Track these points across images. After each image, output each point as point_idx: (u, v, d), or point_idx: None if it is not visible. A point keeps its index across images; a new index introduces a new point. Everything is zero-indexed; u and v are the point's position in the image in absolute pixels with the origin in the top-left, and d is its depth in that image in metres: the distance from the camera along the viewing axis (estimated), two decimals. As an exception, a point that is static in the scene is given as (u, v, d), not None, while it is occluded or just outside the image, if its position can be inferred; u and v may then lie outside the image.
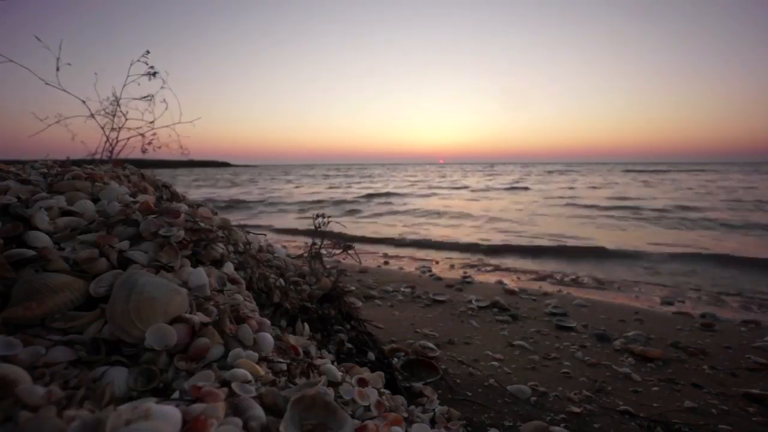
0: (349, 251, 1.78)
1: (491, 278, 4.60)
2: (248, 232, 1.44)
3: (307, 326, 1.21)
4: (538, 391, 1.83)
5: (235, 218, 1.41)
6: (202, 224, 1.07)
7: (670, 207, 11.98)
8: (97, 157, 2.06)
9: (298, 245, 6.37)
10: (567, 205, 13.26)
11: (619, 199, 14.48)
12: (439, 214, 11.60)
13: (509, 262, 5.88)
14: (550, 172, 43.60)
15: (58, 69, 1.89)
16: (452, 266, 5.46)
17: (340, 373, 0.90)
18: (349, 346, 1.41)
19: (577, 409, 1.66)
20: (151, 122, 2.21)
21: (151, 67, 2.10)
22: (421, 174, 43.13)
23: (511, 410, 1.66)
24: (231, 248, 1.18)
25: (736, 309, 3.70)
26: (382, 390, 1.02)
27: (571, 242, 7.11)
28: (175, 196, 1.57)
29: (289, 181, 31.24)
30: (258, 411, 0.61)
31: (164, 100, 2.19)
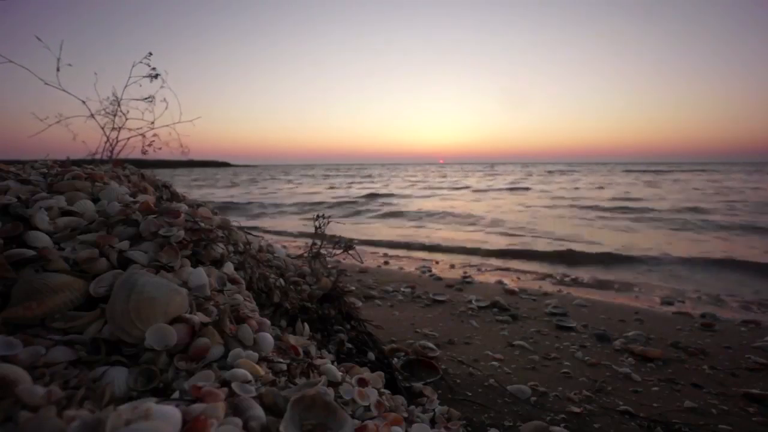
0: (350, 251, 1.78)
1: (491, 278, 4.61)
2: (248, 233, 1.44)
3: (307, 326, 1.21)
4: (538, 391, 1.83)
5: (233, 219, 1.40)
6: (202, 224, 1.07)
7: (680, 208, 11.58)
8: (98, 157, 2.06)
9: (298, 245, 6.37)
10: (572, 206, 12.90)
11: (624, 200, 14.09)
12: (442, 215, 11.32)
13: (509, 262, 5.87)
14: (550, 172, 43.30)
15: (58, 69, 1.89)
16: (452, 266, 5.46)
17: (340, 373, 0.90)
18: (349, 346, 1.41)
19: (577, 409, 1.66)
20: (152, 122, 2.21)
21: (153, 69, 2.10)
22: (422, 174, 42.99)
23: (511, 410, 1.66)
24: (231, 248, 1.18)
25: (736, 309, 3.70)
26: (382, 390, 1.02)
27: (578, 246, 6.71)
28: (175, 196, 1.57)
29: (289, 181, 31.20)
30: (258, 411, 0.61)
31: (164, 100, 2.19)
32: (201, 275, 0.90)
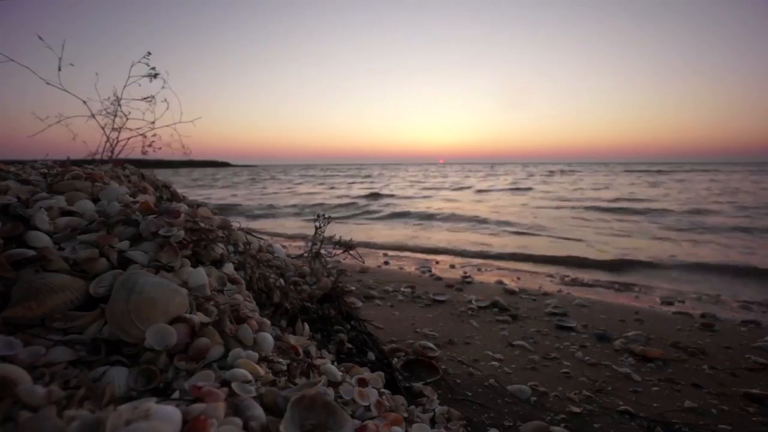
0: (350, 251, 1.78)
1: (491, 278, 4.60)
2: (248, 233, 1.44)
3: (307, 326, 1.21)
4: (538, 391, 1.83)
5: (233, 220, 1.40)
6: (202, 224, 1.07)
7: (688, 210, 11.23)
8: (98, 157, 2.06)
9: (298, 245, 6.37)
10: (581, 208, 12.37)
11: (630, 201, 13.72)
12: (446, 216, 10.98)
13: (511, 263, 5.87)
14: (551, 172, 42.99)
15: (60, 69, 1.89)
16: (452, 266, 5.46)
17: (340, 373, 0.90)
18: (349, 346, 1.41)
19: (577, 409, 1.66)
20: (152, 122, 2.21)
21: (153, 68, 2.10)
22: (422, 174, 42.84)
23: (511, 410, 1.66)
24: (231, 248, 1.18)
25: (736, 309, 3.70)
26: (382, 390, 1.02)
27: (590, 251, 6.45)
28: (175, 196, 1.57)
29: (289, 181, 31.16)
30: (258, 411, 0.61)
31: (165, 100, 2.19)
32: (201, 275, 0.90)
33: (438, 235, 8.41)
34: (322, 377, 0.83)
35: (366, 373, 1.02)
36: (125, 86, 2.11)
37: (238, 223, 1.40)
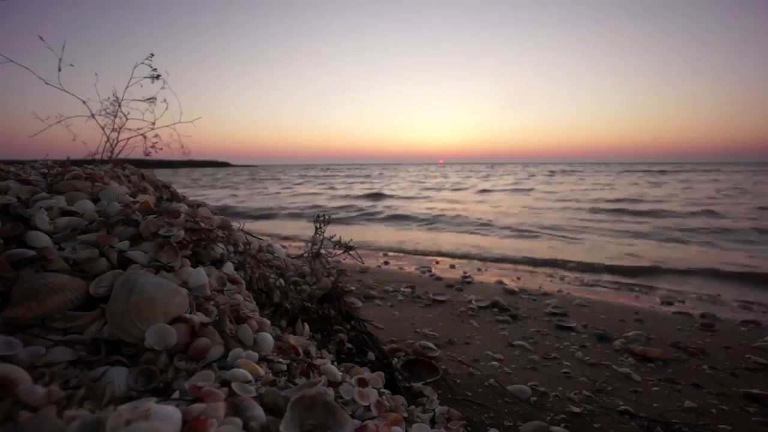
0: (350, 251, 1.78)
1: (491, 278, 4.60)
2: (248, 233, 1.44)
3: (307, 326, 1.21)
4: (538, 391, 1.83)
5: (234, 221, 1.40)
6: (202, 224, 1.07)
7: (694, 211, 10.84)
8: (98, 157, 2.06)
9: (298, 245, 6.37)
10: (590, 209, 11.93)
11: (638, 202, 13.30)
12: (450, 219, 10.62)
13: (509, 262, 5.87)
14: (552, 172, 42.76)
15: (60, 69, 1.89)
16: (452, 266, 5.46)
17: (340, 373, 0.90)
18: (349, 346, 1.41)
19: (577, 409, 1.67)
20: (152, 123, 2.21)
21: (154, 70, 2.10)
22: (422, 174, 42.73)
23: (511, 410, 1.66)
24: (231, 248, 1.18)
25: (736, 309, 3.70)
26: (382, 390, 1.02)
27: (606, 257, 6.02)
28: (175, 196, 1.57)
29: (289, 182, 31.14)
30: (258, 411, 0.61)
31: (165, 100, 2.19)
32: (201, 275, 0.90)
33: (442, 238, 8.23)
34: (322, 377, 0.83)
35: (366, 373, 1.02)
36: (127, 87, 2.11)
37: (238, 223, 1.40)
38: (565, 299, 3.57)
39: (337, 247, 1.76)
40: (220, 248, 1.08)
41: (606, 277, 4.96)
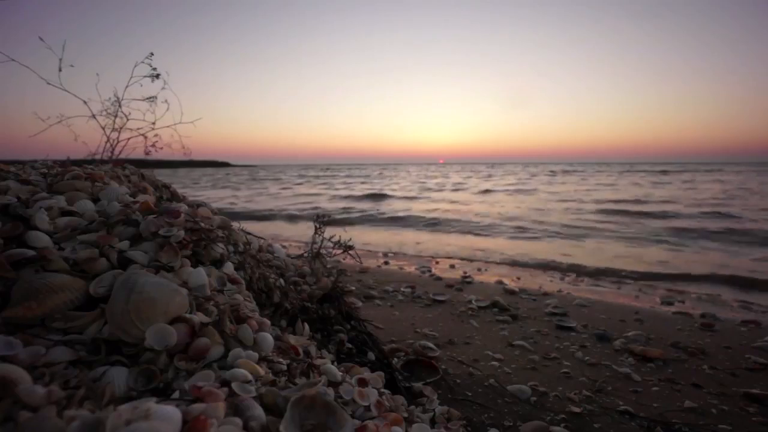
0: (350, 251, 1.78)
1: (491, 278, 4.60)
2: (248, 233, 1.44)
3: (307, 326, 1.21)
4: (538, 391, 1.83)
5: (233, 221, 1.40)
6: (202, 224, 1.07)
7: (705, 212, 10.43)
8: (98, 157, 2.06)
9: (298, 245, 6.37)
10: (595, 211, 11.50)
11: (643, 204, 12.86)
12: (457, 220, 10.17)
13: (509, 261, 5.86)
14: (553, 172, 42.47)
15: (60, 69, 1.89)
16: (452, 266, 5.46)
17: (340, 373, 0.90)
18: (349, 346, 1.41)
19: (577, 409, 1.67)
20: (153, 123, 2.21)
21: (154, 69, 2.10)
22: (423, 174, 42.62)
23: (511, 410, 1.66)
24: (231, 248, 1.18)
25: (736, 309, 3.70)
26: (382, 390, 1.02)
27: (625, 262, 5.65)
28: (175, 196, 1.57)
29: (289, 182, 31.10)
30: (258, 411, 0.61)
31: (165, 101, 2.19)
32: (201, 275, 0.90)
33: (444, 239, 8.00)
34: (322, 377, 0.83)
35: (366, 373, 1.02)
36: (127, 87, 2.11)
37: (238, 223, 1.40)
38: (565, 299, 3.58)
39: (336, 247, 1.76)
40: (220, 248, 1.08)
41: (615, 281, 4.77)
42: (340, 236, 1.79)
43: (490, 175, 37.19)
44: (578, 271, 5.28)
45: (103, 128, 2.12)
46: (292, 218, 11.83)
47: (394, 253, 6.49)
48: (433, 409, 1.29)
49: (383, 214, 12.03)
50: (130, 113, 2.16)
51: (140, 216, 1.01)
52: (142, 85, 2.12)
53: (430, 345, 2.20)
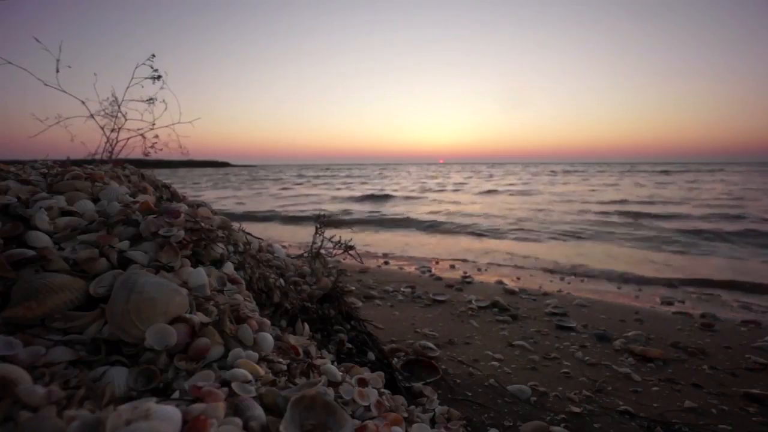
0: (350, 251, 1.78)
1: (491, 278, 4.60)
2: (248, 233, 1.44)
3: (307, 326, 1.21)
4: (538, 391, 1.83)
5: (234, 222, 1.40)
6: (202, 224, 1.07)
7: (717, 214, 10.07)
8: (98, 157, 2.06)
9: (298, 245, 6.37)
10: (602, 212, 11.20)
11: (651, 205, 12.54)
12: (467, 226, 9.60)
13: (509, 262, 5.86)
14: (554, 171, 42.24)
15: (57, 71, 1.89)
16: (452, 266, 5.46)
17: (340, 373, 0.90)
18: (349, 346, 1.41)
19: (577, 409, 1.66)
20: (152, 123, 2.21)
21: (156, 71, 2.10)
22: (424, 174, 42.44)
23: (511, 410, 1.66)
24: (231, 248, 1.18)
25: (736, 309, 3.70)
26: (382, 390, 1.02)
27: (646, 269, 5.31)
28: (175, 196, 1.57)
29: (289, 182, 31.06)
30: (258, 411, 0.61)
31: (164, 101, 2.19)
32: (201, 275, 0.90)
33: (447, 241, 7.80)
34: (322, 377, 0.83)
35: (366, 373, 1.02)
36: (128, 88, 2.11)
37: (238, 223, 1.40)
38: (565, 299, 3.58)
39: (336, 247, 1.76)
40: (220, 248, 1.08)
41: (616, 282, 4.67)
42: (340, 236, 1.79)
43: (491, 175, 36.88)
44: (580, 273, 5.20)
45: (102, 128, 2.12)
46: (292, 219, 11.80)
47: (394, 254, 6.49)
48: (433, 409, 1.29)
49: (384, 215, 11.84)
50: (128, 113, 2.16)
51: (140, 216, 1.01)
52: (142, 86, 2.13)
53: (430, 345, 2.20)
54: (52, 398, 0.51)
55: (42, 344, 0.65)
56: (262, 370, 0.74)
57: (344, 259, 1.91)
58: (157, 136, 2.25)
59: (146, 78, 2.11)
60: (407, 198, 17.05)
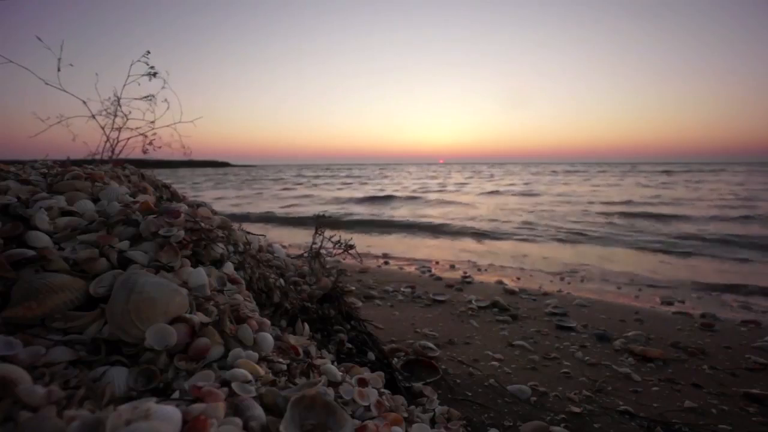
0: (350, 251, 1.78)
1: (491, 278, 4.60)
2: (248, 233, 1.44)
3: (307, 326, 1.21)
4: (538, 391, 1.83)
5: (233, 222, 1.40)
6: (202, 224, 1.07)
7: (740, 217, 9.60)
8: (98, 157, 2.06)
9: (298, 245, 6.37)
10: (610, 213, 10.77)
11: (659, 205, 12.14)
12: (469, 226, 9.32)
13: (509, 262, 5.85)
14: (555, 171, 41.88)
15: (59, 69, 1.89)
16: (452, 266, 5.46)
17: (340, 373, 0.90)
18: (349, 346, 1.41)
19: (577, 409, 1.66)
20: (152, 122, 2.21)
21: (152, 68, 2.10)
22: (425, 174, 42.26)
23: (511, 410, 1.66)
24: (231, 248, 1.18)
25: (736, 309, 3.69)
26: (382, 390, 1.02)
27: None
28: (175, 196, 1.57)
29: (290, 182, 31.03)
30: (258, 411, 0.61)
31: (165, 100, 2.19)
32: (201, 275, 0.90)
33: (451, 244, 7.55)
34: (322, 377, 0.83)
35: (366, 373, 1.02)
36: (125, 85, 2.11)
37: (238, 223, 1.40)
38: (565, 299, 3.57)
39: (336, 246, 1.76)
40: (220, 248, 1.08)
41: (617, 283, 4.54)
42: (340, 236, 1.79)
43: (492, 176, 36.48)
44: (580, 273, 5.12)
45: (103, 128, 2.12)
46: (292, 219, 11.78)
47: (394, 254, 6.48)
48: (433, 409, 1.29)
49: (385, 216, 11.68)
50: (130, 112, 2.16)
51: (140, 216, 1.01)
52: (140, 84, 2.12)
53: (430, 345, 2.20)
54: (52, 398, 0.51)
55: (42, 344, 0.65)
56: (262, 370, 0.74)
57: (344, 259, 1.91)
58: (156, 135, 2.25)
59: (143, 75, 2.11)
60: (408, 198, 16.92)
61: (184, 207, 1.12)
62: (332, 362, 0.99)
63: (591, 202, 13.70)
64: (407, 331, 2.61)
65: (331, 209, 13.35)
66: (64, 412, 0.48)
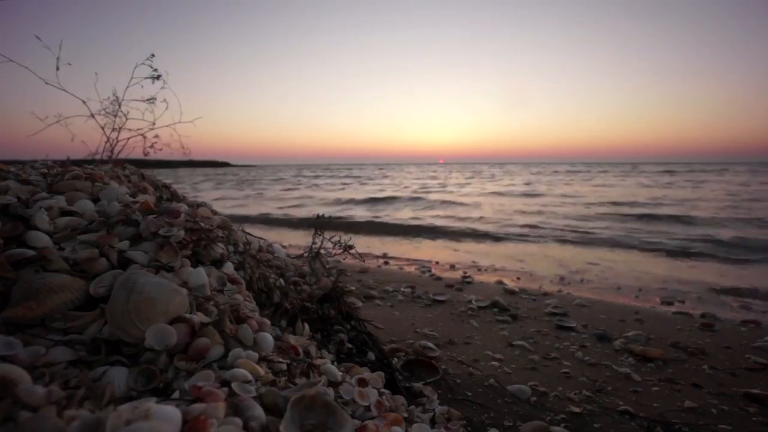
0: (350, 250, 1.78)
1: (491, 278, 4.60)
2: (248, 233, 1.44)
3: (307, 326, 1.21)
4: (538, 391, 1.83)
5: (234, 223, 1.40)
6: (202, 224, 1.07)
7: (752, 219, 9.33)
8: (98, 157, 2.06)
9: (298, 245, 6.36)
10: (618, 215, 10.44)
11: (667, 206, 11.81)
12: (470, 227, 9.22)
13: (509, 262, 5.85)
14: (556, 172, 41.71)
15: (57, 68, 1.89)
16: (452, 266, 5.46)
17: (340, 373, 0.90)
18: (349, 346, 1.41)
19: (577, 409, 1.66)
20: (152, 123, 2.21)
21: (155, 70, 2.10)
22: (425, 174, 42.19)
23: (511, 410, 1.66)
24: (231, 248, 1.18)
25: (736, 309, 3.69)
26: (382, 390, 1.02)
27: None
28: (175, 196, 1.57)
29: (290, 182, 31.02)
30: (258, 411, 0.61)
31: (165, 100, 2.19)
32: (201, 275, 0.90)
33: (453, 245, 7.38)
34: (322, 377, 0.83)
35: (366, 373, 1.02)
36: (127, 87, 2.11)
37: (238, 223, 1.40)
38: (565, 299, 3.57)
39: (336, 246, 1.76)
40: (220, 248, 1.08)
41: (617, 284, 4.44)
42: (340, 236, 1.79)
43: (493, 176, 36.24)
44: (580, 273, 5.05)
45: (103, 128, 2.12)
46: (292, 220, 11.77)
47: (394, 254, 6.48)
48: (433, 409, 1.29)
49: (386, 217, 11.61)
50: (129, 113, 2.16)
51: (140, 216, 1.01)
52: (142, 86, 2.12)
53: (430, 345, 2.20)
54: (52, 398, 0.51)
55: (42, 344, 0.65)
56: (262, 370, 0.74)
57: (344, 259, 1.91)
58: (157, 136, 2.25)
59: (146, 78, 2.11)
60: (409, 199, 16.85)
61: (184, 207, 1.12)
62: (332, 362, 0.99)
63: (593, 203, 13.55)
64: (407, 331, 2.61)
65: (332, 210, 13.30)
66: (64, 412, 0.48)
